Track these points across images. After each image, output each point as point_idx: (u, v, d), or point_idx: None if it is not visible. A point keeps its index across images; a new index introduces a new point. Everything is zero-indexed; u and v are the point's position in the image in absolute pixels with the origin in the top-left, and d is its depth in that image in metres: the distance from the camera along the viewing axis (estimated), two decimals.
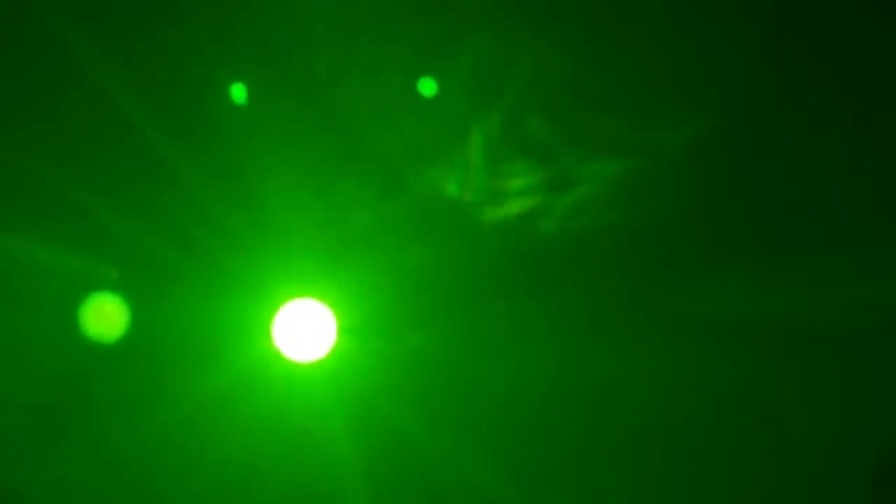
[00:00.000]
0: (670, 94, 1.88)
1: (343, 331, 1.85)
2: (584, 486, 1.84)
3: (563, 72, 1.87)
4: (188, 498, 1.89)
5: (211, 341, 1.90)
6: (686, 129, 1.87)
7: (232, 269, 1.90)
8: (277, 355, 1.87)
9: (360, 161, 1.91)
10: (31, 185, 1.87)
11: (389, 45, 1.88)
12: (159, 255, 1.89)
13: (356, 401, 1.86)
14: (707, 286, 1.88)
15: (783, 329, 1.84)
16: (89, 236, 1.89)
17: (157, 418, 1.89)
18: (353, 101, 1.88)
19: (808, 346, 1.82)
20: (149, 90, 1.86)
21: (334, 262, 1.90)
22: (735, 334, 1.84)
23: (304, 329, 1.85)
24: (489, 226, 1.94)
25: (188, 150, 1.88)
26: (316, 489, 1.86)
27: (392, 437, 1.86)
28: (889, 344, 1.80)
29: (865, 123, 1.85)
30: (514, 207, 1.94)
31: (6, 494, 1.86)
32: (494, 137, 1.90)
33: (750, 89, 1.87)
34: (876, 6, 1.80)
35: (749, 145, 1.87)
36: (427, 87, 1.89)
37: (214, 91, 1.87)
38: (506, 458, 1.86)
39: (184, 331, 1.90)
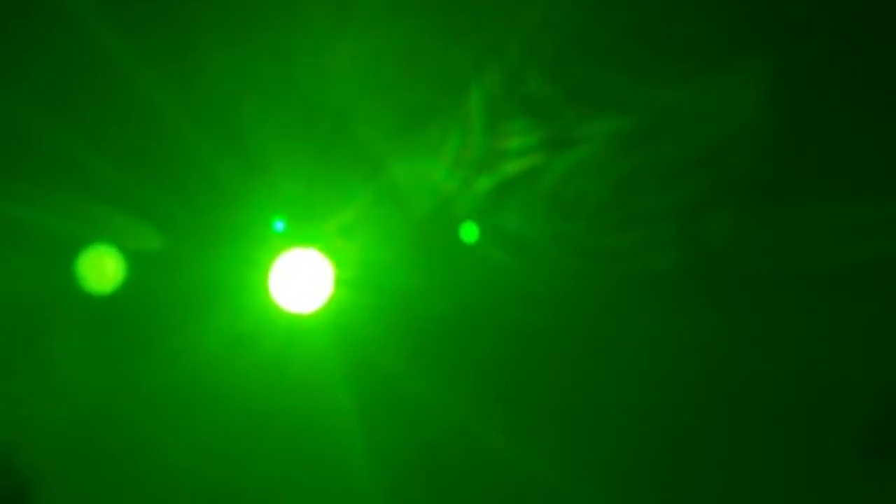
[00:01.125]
0: (675, 50, 1.88)
1: (340, 282, 1.86)
2: (571, 431, 1.86)
3: (566, 27, 1.88)
4: (188, 447, 1.91)
5: (209, 292, 1.92)
6: (690, 84, 1.88)
7: (229, 221, 1.92)
8: (275, 306, 1.88)
9: (360, 118, 1.92)
10: (31, 139, 1.90)
11: (388, 5, 1.89)
12: (158, 209, 1.91)
13: (352, 350, 1.87)
14: (710, 241, 1.88)
15: (790, 272, 1.85)
16: (88, 191, 1.90)
17: (157, 369, 1.91)
18: (352, 59, 1.89)
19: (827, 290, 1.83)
20: (146, 44, 1.87)
21: (332, 214, 1.91)
22: (736, 281, 1.85)
23: (302, 280, 1.86)
24: (487, 183, 1.95)
25: (187, 105, 1.89)
26: (314, 436, 1.88)
27: (387, 385, 1.88)
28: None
29: (869, 86, 1.85)
30: (514, 167, 1.95)
31: (10, 449, 1.89)
32: (495, 96, 1.91)
33: (759, 43, 1.87)
34: None
35: (758, 102, 1.87)
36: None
37: (212, 45, 1.88)
38: (495, 404, 1.88)
39: (182, 282, 1.92)
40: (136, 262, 1.92)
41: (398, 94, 1.91)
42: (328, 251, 1.88)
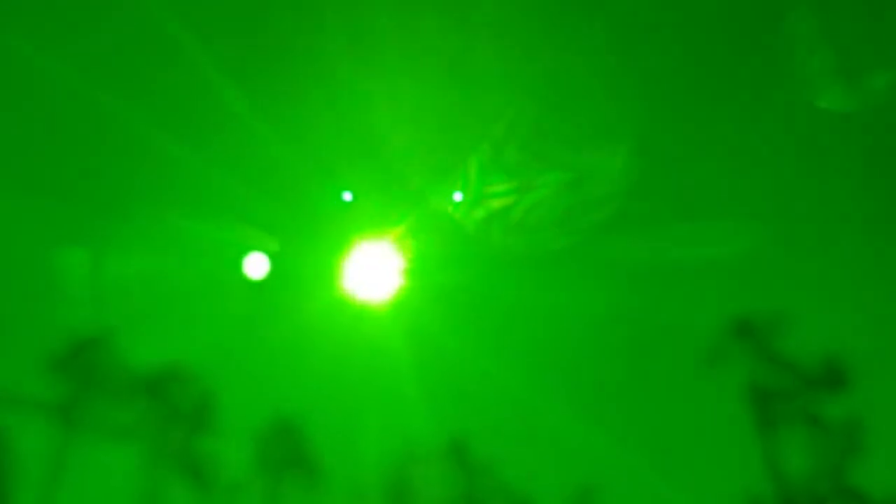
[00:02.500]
0: (597, 133, 3.21)
1: (405, 273, 3.16)
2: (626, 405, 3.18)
3: (529, 120, 3.20)
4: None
5: (303, 280, 3.20)
6: (610, 154, 3.21)
7: (317, 226, 3.22)
8: (353, 292, 3.16)
9: (402, 179, 3.23)
10: (199, 181, 3.20)
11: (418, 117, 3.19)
12: (272, 220, 3.20)
13: (416, 329, 3.18)
14: (623, 244, 3.25)
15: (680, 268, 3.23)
16: (225, 208, 3.22)
17: (271, 332, 3.20)
18: (408, 143, 3.19)
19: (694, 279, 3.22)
20: (266, 103, 3.16)
21: (398, 223, 3.21)
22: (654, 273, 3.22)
23: (374, 271, 3.13)
24: (482, 216, 3.27)
25: (293, 146, 3.18)
26: (383, 400, 3.16)
27: (448, 360, 3.19)
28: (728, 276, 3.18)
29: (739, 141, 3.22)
30: (497, 204, 3.28)
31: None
32: (485, 162, 3.24)
33: (654, 128, 3.22)
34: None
35: (648, 160, 3.23)
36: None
37: (311, 104, 3.18)
38: (546, 376, 3.19)
39: (287, 272, 3.21)
40: (260, 258, 3.21)
41: (429, 160, 3.22)
42: (394, 250, 3.17)
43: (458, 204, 3.24)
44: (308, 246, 3.19)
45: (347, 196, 3.09)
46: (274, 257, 3.17)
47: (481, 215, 3.30)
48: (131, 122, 3.28)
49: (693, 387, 3.22)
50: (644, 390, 3.23)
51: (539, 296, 3.17)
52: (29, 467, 3.00)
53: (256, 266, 3.12)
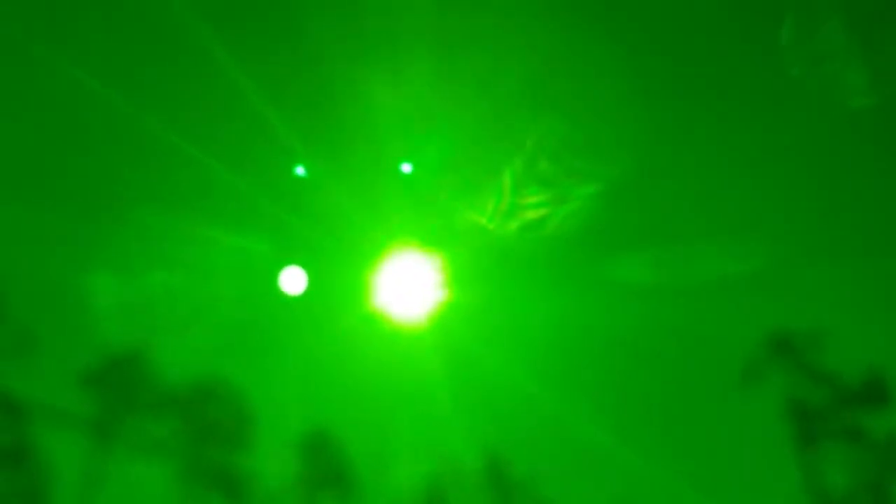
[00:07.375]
0: (629, 145, 3.19)
1: (441, 288, 3.14)
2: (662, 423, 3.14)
3: (559, 135, 3.18)
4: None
5: (337, 295, 3.21)
6: (641, 167, 3.19)
7: (352, 240, 3.23)
8: (387, 308, 3.16)
9: (441, 198, 3.23)
10: (232, 196, 3.22)
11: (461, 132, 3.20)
12: (308, 235, 3.21)
13: (451, 345, 3.16)
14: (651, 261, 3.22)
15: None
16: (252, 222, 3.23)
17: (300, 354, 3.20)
18: (438, 157, 3.19)
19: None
20: (302, 124, 3.18)
21: (433, 238, 3.21)
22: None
23: (409, 286, 3.12)
24: (516, 225, 3.24)
25: (323, 159, 3.21)
26: (419, 416, 3.15)
27: (484, 376, 3.17)
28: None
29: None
30: (531, 215, 3.25)
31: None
32: (519, 175, 3.21)
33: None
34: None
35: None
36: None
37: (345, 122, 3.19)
38: (582, 392, 3.18)
39: (322, 287, 3.22)
40: (297, 273, 3.22)
41: (467, 174, 3.22)
42: (429, 265, 3.16)
43: (492, 217, 3.23)
44: (343, 261, 3.20)
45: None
46: (309, 272, 3.18)
47: (512, 228, 3.29)
48: (164, 137, 3.33)
49: (731, 403, 3.16)
50: (681, 407, 3.18)
51: (575, 311, 3.15)
52: (65, 482, 3.04)
53: (293, 281, 3.13)
